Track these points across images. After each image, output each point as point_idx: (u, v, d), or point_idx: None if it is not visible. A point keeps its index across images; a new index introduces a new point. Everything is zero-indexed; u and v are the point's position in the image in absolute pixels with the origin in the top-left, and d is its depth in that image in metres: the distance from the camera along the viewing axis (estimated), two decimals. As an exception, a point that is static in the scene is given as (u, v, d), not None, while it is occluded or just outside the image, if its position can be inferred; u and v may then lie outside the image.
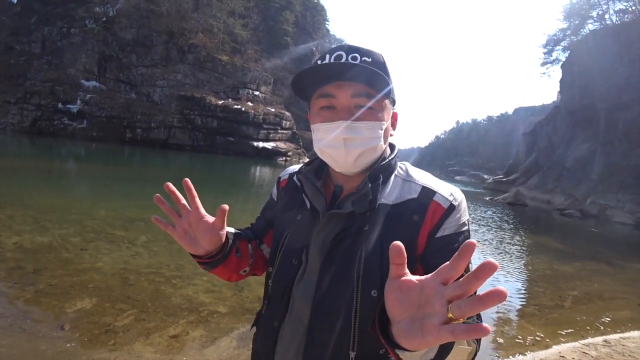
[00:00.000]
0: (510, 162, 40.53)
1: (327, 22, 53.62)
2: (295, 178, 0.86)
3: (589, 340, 3.53)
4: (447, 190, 0.74)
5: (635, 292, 5.63)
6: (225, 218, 0.76)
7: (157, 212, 0.77)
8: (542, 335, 3.57)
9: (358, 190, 0.74)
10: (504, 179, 34.31)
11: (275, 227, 0.88)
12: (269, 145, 35.08)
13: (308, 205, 0.80)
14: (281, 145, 36.55)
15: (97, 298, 3.08)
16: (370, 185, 0.74)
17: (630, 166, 20.66)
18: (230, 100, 34.16)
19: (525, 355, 3.11)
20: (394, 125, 0.81)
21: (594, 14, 29.49)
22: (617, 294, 5.44)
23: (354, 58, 0.71)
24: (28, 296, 2.97)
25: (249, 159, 31.44)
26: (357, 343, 0.70)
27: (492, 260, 0.40)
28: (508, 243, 8.50)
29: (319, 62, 0.74)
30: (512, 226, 11.78)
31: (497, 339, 3.42)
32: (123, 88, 33.10)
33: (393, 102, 0.79)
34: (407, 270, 0.47)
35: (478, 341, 0.60)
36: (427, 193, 0.74)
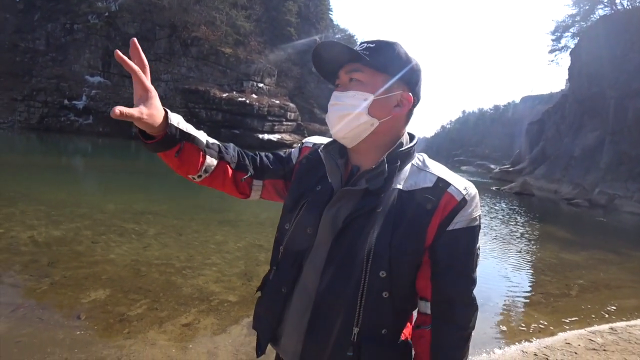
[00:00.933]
0: (517, 152, 40.07)
1: (330, 12, 52.93)
2: (320, 150, 0.87)
3: (595, 327, 3.55)
4: (462, 184, 0.77)
5: (643, 280, 5.62)
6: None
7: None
8: (548, 323, 3.59)
9: (374, 168, 0.77)
10: (511, 169, 33.97)
11: (291, 191, 0.90)
12: (274, 137, 35.02)
13: (329, 180, 0.83)
14: (286, 137, 36.46)
15: (110, 289, 3.17)
16: (387, 165, 0.77)
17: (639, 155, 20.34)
18: (234, 92, 34.08)
19: (531, 342, 3.14)
20: (402, 105, 0.80)
21: (604, -2, 28.74)
22: (624, 282, 5.43)
23: (361, 45, 0.80)
24: (44, 288, 3.06)
25: (254, 151, 31.38)
26: (362, 320, 0.73)
27: None
28: (515, 232, 8.48)
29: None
30: (519, 216, 11.72)
31: (503, 326, 3.46)
32: (127, 83, 32.97)
33: (407, 83, 0.80)
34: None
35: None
36: (442, 184, 0.76)
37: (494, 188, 22.75)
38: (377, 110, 0.78)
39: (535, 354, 2.86)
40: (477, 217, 0.76)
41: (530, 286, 4.91)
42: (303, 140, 0.99)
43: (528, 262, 6.15)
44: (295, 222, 0.83)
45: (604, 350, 3.00)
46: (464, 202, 0.74)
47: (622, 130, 22.04)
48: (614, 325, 3.64)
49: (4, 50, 32.47)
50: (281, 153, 0.99)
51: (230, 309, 3.08)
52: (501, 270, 5.44)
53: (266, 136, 34.39)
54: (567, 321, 3.69)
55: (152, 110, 0.70)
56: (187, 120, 0.82)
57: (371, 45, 0.78)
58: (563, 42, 33.14)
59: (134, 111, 0.66)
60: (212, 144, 0.86)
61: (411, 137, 0.86)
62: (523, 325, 3.51)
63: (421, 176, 0.78)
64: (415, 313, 0.83)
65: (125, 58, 0.65)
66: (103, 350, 2.31)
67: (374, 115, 0.78)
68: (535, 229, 9.51)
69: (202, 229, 5.47)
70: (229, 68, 34.97)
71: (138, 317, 2.77)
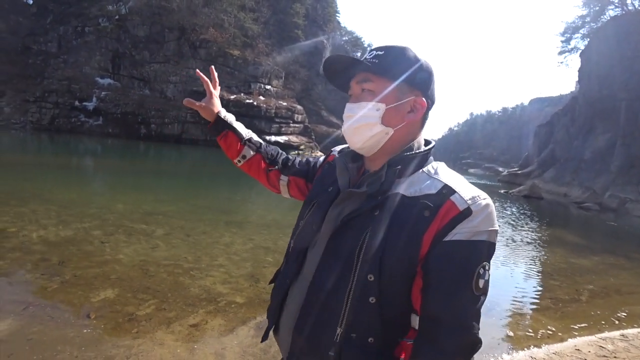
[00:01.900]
0: (525, 155, 39.64)
1: (337, 14, 53.00)
2: (336, 154, 0.94)
3: (606, 334, 3.49)
4: (470, 193, 0.71)
5: (655, 286, 5.51)
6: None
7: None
8: (557, 328, 3.54)
9: (375, 172, 0.79)
10: (519, 172, 33.58)
11: (309, 192, 0.99)
12: (281, 139, 35.12)
13: (338, 181, 0.86)
14: (293, 139, 36.56)
15: (119, 288, 3.21)
16: (387, 168, 0.77)
17: (651, 158, 19.97)
18: (242, 94, 34.29)
19: (540, 348, 3.10)
20: (416, 110, 0.80)
21: (615, -1, 28.32)
22: (636, 288, 5.33)
23: (370, 53, 0.81)
24: (55, 286, 3.11)
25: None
26: (345, 321, 0.72)
27: None
28: (524, 236, 8.38)
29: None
30: (528, 219, 11.59)
31: (511, 331, 3.42)
32: (137, 85, 33.56)
33: (419, 88, 0.80)
34: None
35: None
36: (446, 191, 0.71)
37: (502, 191, 22.52)
38: (390, 118, 0.79)
39: (544, 360, 2.82)
40: (486, 232, 0.69)
41: (539, 291, 4.85)
42: (332, 149, 1.03)
43: (537, 266, 6.07)
44: (306, 219, 0.88)
45: (615, 357, 2.95)
46: (467, 212, 0.68)
47: (633, 133, 21.67)
48: (625, 331, 3.58)
49: (17, 53, 33.15)
50: (311, 158, 1.13)
51: (238, 310, 3.10)
52: (509, 275, 5.38)
53: (273, 138, 34.50)
54: (577, 327, 3.63)
55: (209, 105, 1.10)
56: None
57: (380, 53, 0.78)
58: (573, 43, 32.75)
59: (196, 103, 1.10)
60: (255, 141, 1.13)
61: (427, 142, 0.85)
62: (531, 330, 3.47)
63: (428, 183, 0.74)
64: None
65: (202, 75, 1.13)
66: (112, 350, 2.33)
67: (387, 124, 0.79)
68: (545, 233, 9.39)
69: (210, 230, 5.51)
70: (236, 70, 35.21)
71: (146, 317, 2.80)
